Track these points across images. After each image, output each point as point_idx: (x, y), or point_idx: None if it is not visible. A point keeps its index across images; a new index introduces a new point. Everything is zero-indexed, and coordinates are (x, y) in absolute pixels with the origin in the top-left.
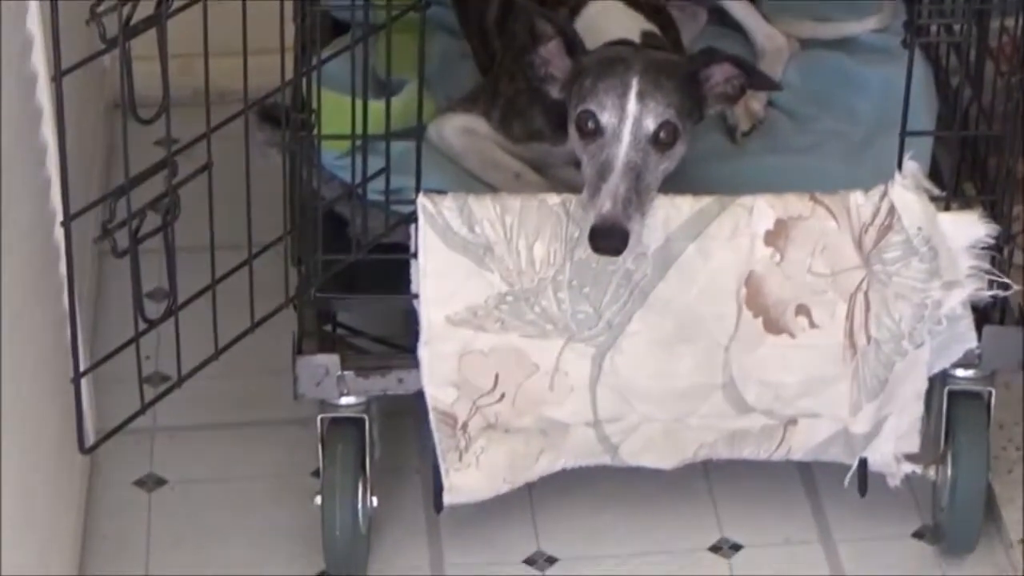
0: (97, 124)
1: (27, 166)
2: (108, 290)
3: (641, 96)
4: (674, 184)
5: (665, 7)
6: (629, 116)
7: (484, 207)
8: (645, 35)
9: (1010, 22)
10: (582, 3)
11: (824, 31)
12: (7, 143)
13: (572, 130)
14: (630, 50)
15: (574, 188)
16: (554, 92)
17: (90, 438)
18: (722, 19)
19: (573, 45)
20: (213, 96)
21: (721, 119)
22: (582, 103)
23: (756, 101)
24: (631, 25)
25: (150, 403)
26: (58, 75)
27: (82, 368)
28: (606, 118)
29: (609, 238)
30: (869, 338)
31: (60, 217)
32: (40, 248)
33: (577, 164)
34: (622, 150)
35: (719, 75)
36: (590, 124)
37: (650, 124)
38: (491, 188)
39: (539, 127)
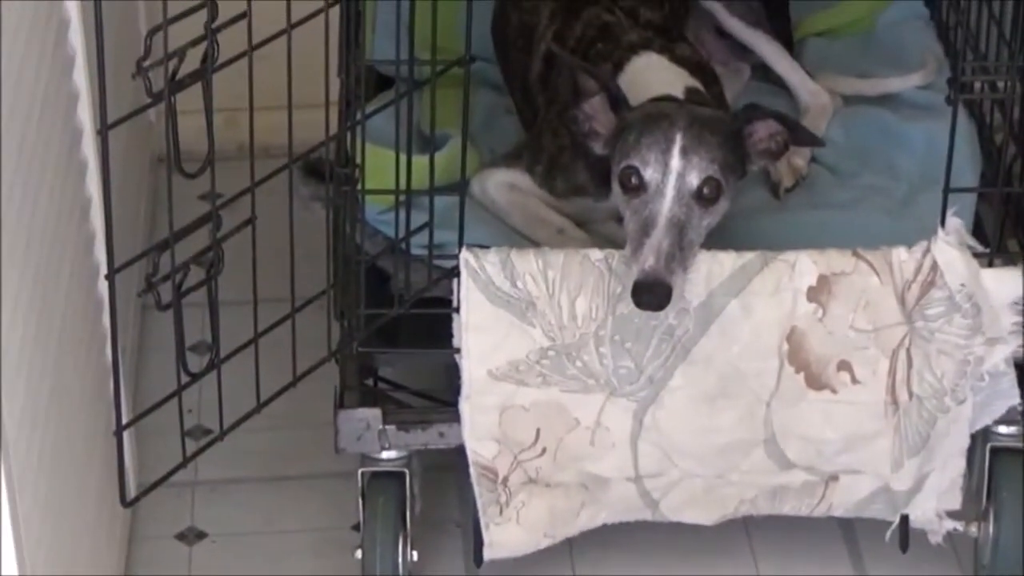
0: (142, 178)
1: (72, 219)
2: (151, 343)
3: (684, 152)
4: (716, 239)
5: (708, 63)
6: (672, 171)
7: (527, 262)
8: (689, 91)
9: None
10: (626, 59)
11: (868, 87)
12: (53, 196)
13: (615, 185)
14: (674, 105)
15: (617, 243)
16: (598, 148)
17: (132, 491)
18: (766, 75)
19: (616, 101)
20: (258, 150)
21: (764, 174)
22: (625, 158)
23: (799, 157)
24: (675, 80)
25: (192, 456)
26: (104, 128)
27: (124, 421)
28: (649, 173)
29: (652, 294)
30: (911, 394)
31: (104, 270)
32: (84, 301)
33: (620, 219)
34: (665, 206)
35: (763, 131)
36: (633, 180)
37: (694, 180)
38: (534, 243)
39: (582, 182)
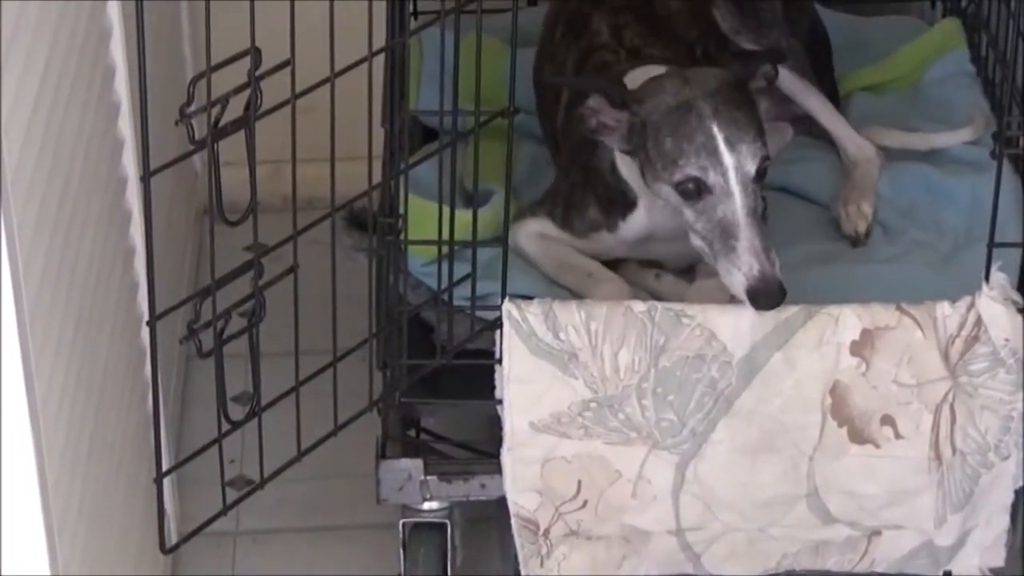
0: (188, 229)
1: (116, 267)
2: (194, 393)
3: (730, 143)
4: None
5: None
6: (730, 168)
7: (569, 313)
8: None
9: None
10: (622, 73)
11: (916, 142)
12: (97, 244)
13: (664, 189)
14: (678, 81)
15: (650, 295)
16: (615, 143)
17: (172, 539)
18: (809, 129)
19: (614, 97)
20: (302, 202)
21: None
22: (674, 169)
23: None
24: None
25: (232, 504)
26: (147, 175)
27: (165, 468)
28: (711, 177)
29: (770, 295)
30: (955, 450)
31: (147, 318)
32: (128, 349)
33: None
34: (738, 203)
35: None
36: (691, 186)
37: (751, 167)
38: (569, 291)
39: (594, 217)
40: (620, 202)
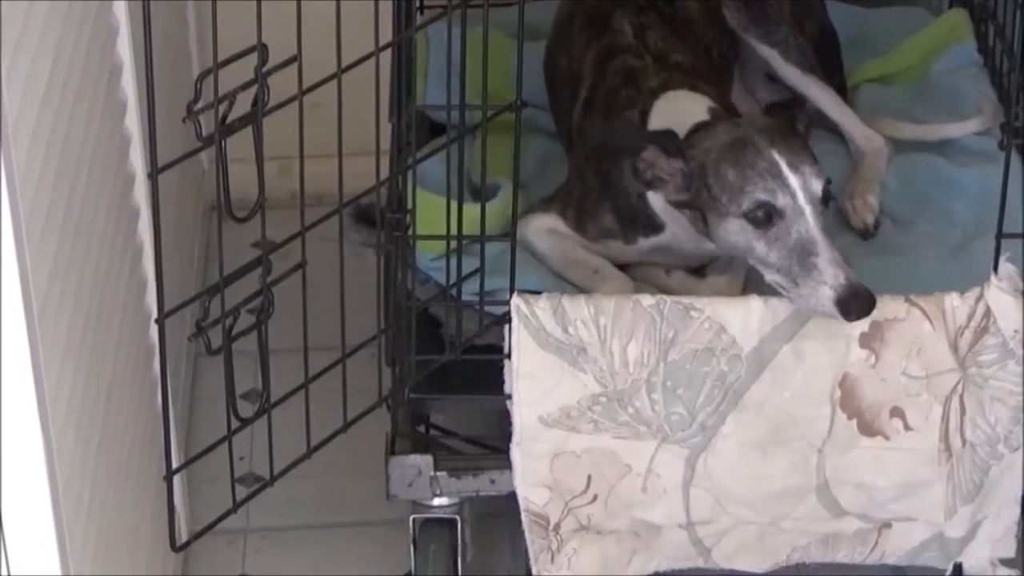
0: (196, 226)
1: (124, 265)
2: (204, 390)
3: (792, 166)
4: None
5: (733, 105)
6: (798, 189)
7: (578, 308)
8: (712, 111)
9: None
10: (649, 105)
11: (925, 133)
12: (105, 242)
13: (732, 226)
14: (730, 126)
15: (661, 291)
16: (670, 194)
17: (183, 537)
18: (819, 122)
19: (669, 148)
20: (311, 199)
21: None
22: (742, 197)
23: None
24: (698, 106)
25: (241, 502)
26: (154, 172)
27: (175, 466)
28: (781, 200)
29: (862, 301)
30: (964, 441)
31: (155, 315)
32: (137, 347)
33: (662, 265)
34: (811, 221)
35: (801, 120)
36: (761, 213)
37: (817, 187)
38: (576, 287)
39: (609, 226)
40: (643, 223)
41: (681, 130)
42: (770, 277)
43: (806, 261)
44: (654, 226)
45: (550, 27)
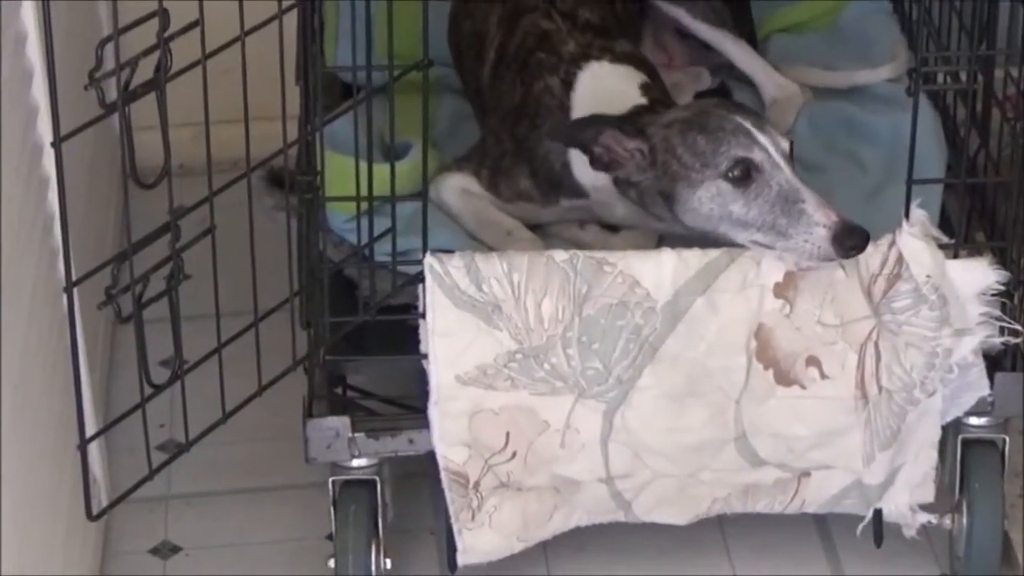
0: (110, 195)
1: (34, 234)
2: (121, 357)
3: (759, 126)
4: (683, 236)
5: (647, 59)
6: (769, 145)
7: (491, 265)
8: (643, 87)
9: (1015, 71)
10: (572, 74)
11: (837, 80)
12: (13, 211)
13: (708, 192)
14: (678, 107)
15: (574, 245)
16: (632, 174)
17: (101, 505)
18: (730, 74)
19: (627, 128)
20: (226, 164)
21: None
22: (718, 157)
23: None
24: (627, 81)
25: (158, 468)
26: (57, 141)
27: (89, 434)
28: (757, 155)
29: (857, 234)
30: (880, 388)
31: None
32: (50, 316)
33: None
34: (788, 171)
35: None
36: (739, 171)
37: (784, 145)
38: (488, 247)
39: (524, 188)
40: (566, 188)
41: (612, 107)
42: (750, 238)
43: (792, 209)
44: (577, 192)
45: None
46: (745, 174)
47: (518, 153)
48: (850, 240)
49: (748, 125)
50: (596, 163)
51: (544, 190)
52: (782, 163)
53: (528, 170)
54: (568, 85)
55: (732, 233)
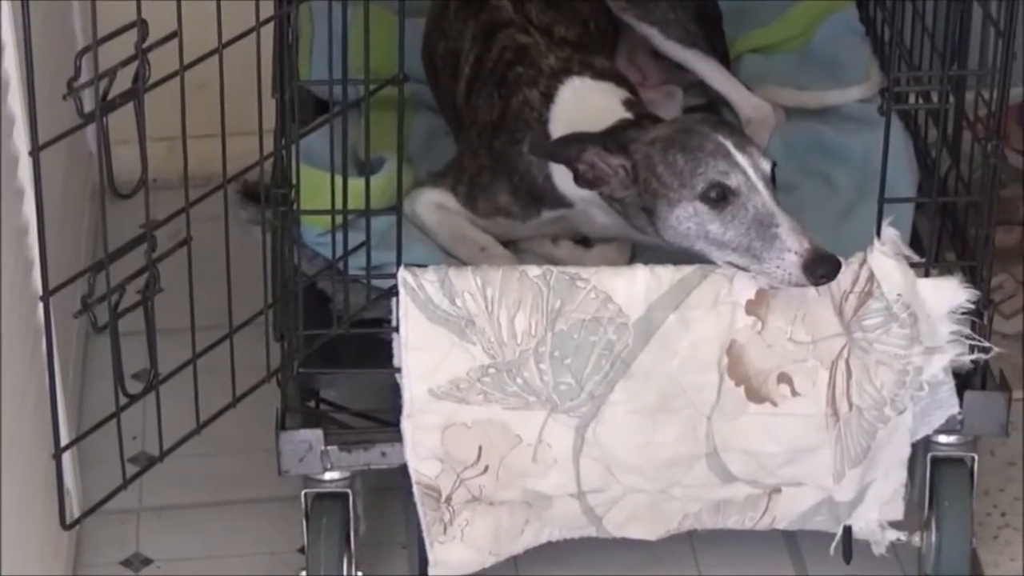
0: (84, 207)
1: (9, 245)
2: (95, 368)
3: (740, 147)
4: (656, 253)
5: (622, 74)
6: (748, 167)
7: (465, 279)
8: (626, 103)
9: (987, 92)
10: (553, 88)
11: (807, 100)
12: None
13: (685, 211)
14: (662, 123)
15: (548, 260)
16: (615, 191)
17: (74, 516)
18: (703, 93)
19: (611, 145)
20: (200, 179)
21: None
22: (695, 179)
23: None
24: (609, 97)
25: (131, 479)
26: (35, 150)
27: (63, 443)
28: (734, 179)
29: (829, 263)
30: (851, 405)
31: (41, 293)
32: (25, 326)
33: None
34: (766, 195)
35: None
36: (715, 193)
37: (765, 165)
38: (462, 263)
39: (503, 203)
40: (550, 200)
41: (594, 123)
42: (725, 258)
43: (767, 233)
44: (560, 202)
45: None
46: (722, 196)
47: (497, 168)
48: (821, 268)
49: (729, 145)
50: (580, 180)
51: (524, 203)
52: (760, 186)
53: (508, 184)
54: (548, 98)
55: (709, 252)
